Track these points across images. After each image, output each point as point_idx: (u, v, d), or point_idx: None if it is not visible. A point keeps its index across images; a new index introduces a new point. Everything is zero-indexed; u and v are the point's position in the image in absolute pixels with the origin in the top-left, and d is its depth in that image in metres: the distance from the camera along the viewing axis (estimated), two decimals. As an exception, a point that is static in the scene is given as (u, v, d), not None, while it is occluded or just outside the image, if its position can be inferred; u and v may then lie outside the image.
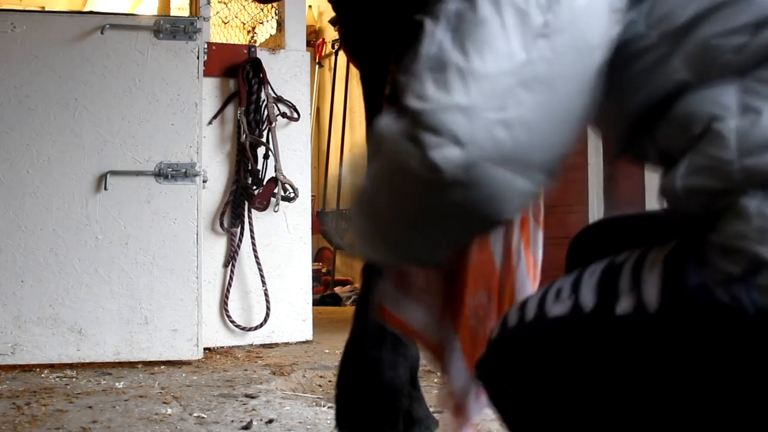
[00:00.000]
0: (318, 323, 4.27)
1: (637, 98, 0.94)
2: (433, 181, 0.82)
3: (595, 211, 4.05)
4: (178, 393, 2.93)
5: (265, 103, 3.97)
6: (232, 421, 2.52)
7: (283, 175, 3.95)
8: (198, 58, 3.61)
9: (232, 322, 3.95)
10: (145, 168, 3.54)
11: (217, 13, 5.11)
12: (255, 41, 5.30)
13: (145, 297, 3.53)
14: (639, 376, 0.92)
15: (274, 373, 3.30)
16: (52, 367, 3.42)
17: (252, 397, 2.85)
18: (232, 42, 5.15)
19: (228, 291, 3.96)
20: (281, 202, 3.95)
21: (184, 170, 3.56)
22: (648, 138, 0.95)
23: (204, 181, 3.70)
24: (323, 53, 7.21)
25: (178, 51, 3.60)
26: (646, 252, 0.92)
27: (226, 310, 3.95)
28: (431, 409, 2.01)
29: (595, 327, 0.93)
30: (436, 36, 0.86)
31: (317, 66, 7.15)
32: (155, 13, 5.17)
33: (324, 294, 6.35)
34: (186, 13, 4.65)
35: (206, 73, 3.79)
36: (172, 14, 4.69)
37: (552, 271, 1.31)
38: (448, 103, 0.81)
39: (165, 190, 3.56)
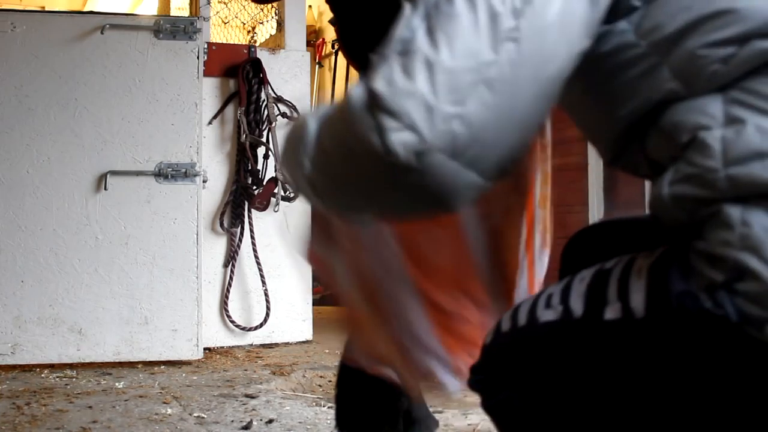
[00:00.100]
0: (318, 323, 4.27)
1: (628, 106, 0.95)
2: (386, 161, 0.84)
3: (595, 211, 4.05)
4: (178, 393, 2.93)
5: (265, 103, 3.97)
6: (232, 421, 2.52)
7: (283, 175, 3.95)
8: (198, 58, 3.61)
9: (232, 322, 3.95)
10: (145, 168, 3.54)
11: (217, 13, 5.11)
12: (255, 41, 5.30)
13: (145, 297, 3.53)
14: (626, 381, 0.93)
15: (274, 373, 3.30)
16: (52, 367, 3.42)
17: (252, 397, 2.85)
18: (232, 42, 5.15)
19: (228, 291, 3.96)
20: (281, 202, 3.95)
21: (184, 170, 3.56)
22: (638, 147, 0.97)
23: (204, 181, 3.70)
24: (323, 53, 7.21)
25: (178, 51, 3.60)
26: (634, 258, 0.94)
27: (226, 310, 3.95)
28: (431, 409, 2.01)
29: (584, 333, 0.94)
30: (412, 22, 0.88)
31: (317, 66, 7.15)
32: (155, 13, 5.17)
33: (324, 294, 6.35)
34: (186, 13, 4.65)
35: (206, 73, 3.79)
36: (172, 14, 4.69)
37: (552, 270, 1.31)
38: (409, 90, 0.83)
39: (165, 190, 3.56)
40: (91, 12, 5.45)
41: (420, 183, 0.85)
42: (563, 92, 1.04)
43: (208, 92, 3.92)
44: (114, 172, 3.51)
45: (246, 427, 2.44)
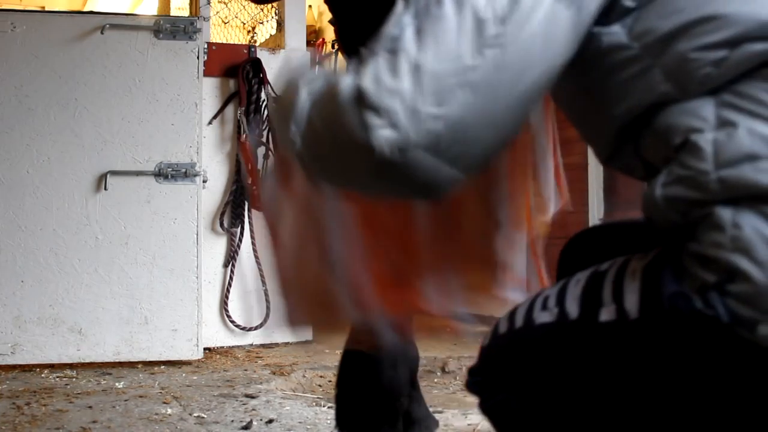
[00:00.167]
0: (318, 323, 4.27)
1: (621, 107, 0.96)
2: (370, 155, 0.87)
3: (595, 211, 4.05)
4: (178, 393, 2.93)
5: (265, 103, 3.96)
6: (232, 421, 2.52)
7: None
8: (198, 58, 3.61)
9: (232, 322, 3.95)
10: (145, 168, 3.55)
11: (217, 13, 5.11)
12: (255, 41, 5.30)
13: (145, 297, 3.53)
14: (621, 381, 0.94)
15: (274, 373, 3.30)
16: (52, 367, 3.42)
17: (252, 397, 2.85)
18: (232, 42, 5.14)
19: (228, 291, 3.96)
20: (281, 202, 3.94)
21: (184, 170, 3.56)
22: (633, 149, 0.98)
23: (204, 181, 3.70)
24: (323, 53, 7.21)
25: (178, 51, 3.60)
26: (629, 260, 0.95)
27: (226, 310, 3.95)
28: (431, 409, 2.01)
29: (579, 334, 0.96)
30: (402, 20, 0.90)
31: (317, 66, 7.16)
32: (155, 13, 5.17)
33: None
34: (186, 13, 4.65)
35: (206, 73, 3.79)
36: (172, 14, 4.69)
37: (552, 270, 1.32)
38: (394, 89, 0.86)
39: (165, 190, 3.56)
40: (91, 12, 5.45)
41: (401, 176, 0.89)
42: (559, 92, 1.05)
43: (208, 92, 3.92)
44: (114, 172, 3.51)
45: (246, 427, 2.44)
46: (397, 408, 1.82)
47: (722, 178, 0.85)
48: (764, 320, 0.82)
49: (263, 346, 4.00)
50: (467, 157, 0.91)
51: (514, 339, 1.03)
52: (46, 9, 7.19)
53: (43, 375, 3.30)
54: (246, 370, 3.41)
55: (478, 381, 1.08)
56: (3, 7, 5.21)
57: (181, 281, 3.56)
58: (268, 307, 3.98)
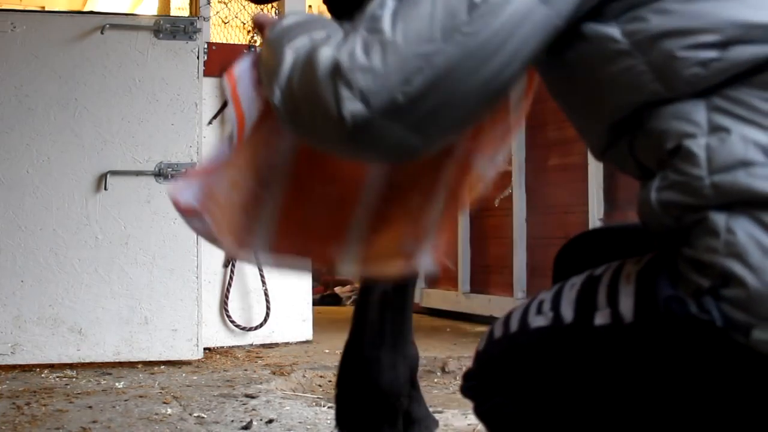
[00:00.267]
0: (318, 323, 4.27)
1: (612, 103, 0.97)
2: (338, 123, 0.95)
3: (595, 211, 4.05)
4: (178, 393, 2.93)
5: (265, 103, 3.96)
6: (232, 421, 2.52)
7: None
8: (198, 58, 3.61)
9: (232, 322, 3.95)
10: (145, 168, 3.55)
11: (217, 13, 5.11)
12: (255, 41, 5.30)
13: (145, 297, 3.53)
14: (616, 385, 0.95)
15: (274, 373, 3.30)
16: (52, 367, 3.42)
17: (252, 397, 2.85)
18: (232, 42, 5.14)
19: (228, 291, 3.96)
20: (281, 202, 3.94)
21: (184, 170, 3.56)
22: (626, 146, 0.98)
23: (204, 181, 3.69)
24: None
25: (178, 51, 3.60)
26: (623, 264, 0.96)
27: (226, 310, 3.95)
28: (431, 409, 2.01)
29: (574, 338, 0.96)
30: (386, 1, 0.95)
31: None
32: (155, 13, 5.18)
33: (324, 294, 6.35)
34: (186, 13, 4.65)
35: (206, 73, 3.78)
36: (172, 14, 4.69)
37: (548, 273, 1.32)
38: (365, 65, 0.93)
39: (165, 190, 3.55)
40: (91, 12, 5.45)
41: (366, 144, 0.97)
42: (554, 85, 1.06)
43: (208, 92, 3.92)
44: (114, 172, 3.51)
45: (246, 427, 2.44)
46: (397, 408, 1.82)
47: (716, 184, 0.85)
48: (758, 325, 0.82)
49: (263, 346, 4.00)
50: (428, 133, 0.97)
51: (510, 343, 1.04)
52: (46, 9, 7.20)
53: (43, 375, 3.30)
54: (246, 370, 3.41)
55: (473, 385, 1.09)
56: (3, 7, 5.21)
57: (181, 281, 3.56)
58: (268, 307, 3.99)
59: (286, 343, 4.06)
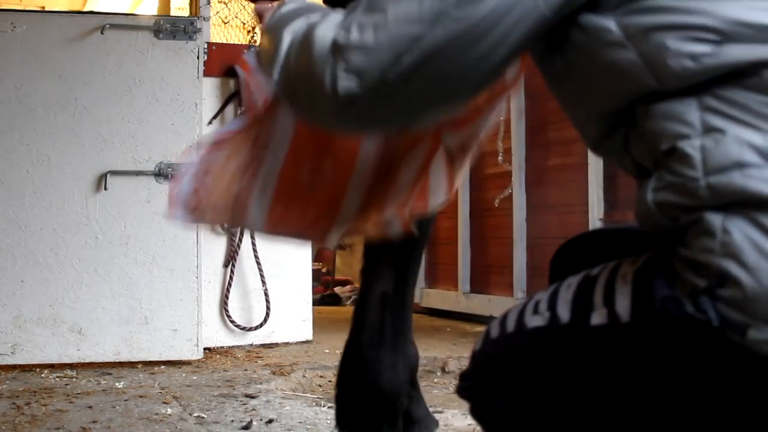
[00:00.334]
0: (318, 323, 4.27)
1: (606, 95, 0.98)
2: (332, 97, 1.00)
3: (595, 211, 4.05)
4: (178, 393, 2.93)
5: (265, 103, 3.96)
6: (232, 421, 2.52)
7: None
8: (198, 58, 3.61)
9: (232, 322, 3.95)
10: (145, 168, 3.54)
11: (217, 13, 5.11)
12: (255, 41, 5.30)
13: (145, 297, 3.53)
14: (613, 384, 0.95)
15: (274, 373, 3.30)
16: (52, 367, 3.42)
17: (252, 397, 2.85)
18: (232, 42, 5.14)
19: (228, 291, 3.96)
20: (281, 202, 3.94)
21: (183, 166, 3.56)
22: (622, 144, 0.99)
23: (204, 181, 3.69)
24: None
25: (178, 51, 3.60)
26: (620, 265, 0.97)
27: (226, 310, 3.95)
28: (431, 409, 2.01)
29: (570, 338, 0.97)
30: None
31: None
32: (155, 13, 5.18)
33: (324, 294, 6.35)
34: (186, 13, 4.65)
35: (206, 73, 3.78)
36: (172, 14, 4.69)
37: (545, 273, 1.33)
38: (360, 44, 0.98)
39: (165, 190, 3.55)
40: (91, 12, 5.45)
41: (355, 119, 1.03)
42: (549, 75, 1.07)
43: (208, 92, 3.92)
44: (114, 172, 3.51)
45: (246, 427, 2.44)
46: (397, 408, 1.82)
47: (711, 185, 0.86)
48: (754, 324, 0.83)
49: (263, 346, 4.00)
50: (418, 110, 1.02)
51: (507, 343, 1.05)
52: (46, 9, 7.20)
53: (43, 375, 3.30)
54: (246, 370, 3.41)
55: (469, 386, 1.09)
56: (3, 7, 5.21)
57: (181, 281, 3.56)
58: (268, 307, 3.99)
59: (286, 343, 4.06)
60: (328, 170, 1.52)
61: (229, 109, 3.99)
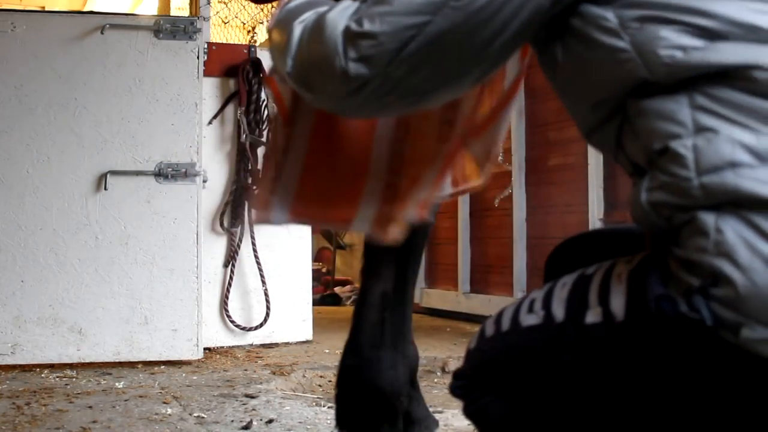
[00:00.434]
0: (318, 323, 4.27)
1: (597, 80, 0.99)
2: (344, 80, 1.05)
3: (595, 211, 4.05)
4: (178, 393, 2.94)
5: (265, 102, 3.96)
6: (232, 421, 2.52)
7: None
8: (198, 58, 3.61)
9: (232, 322, 3.95)
10: (145, 168, 3.54)
11: (217, 13, 5.11)
12: (255, 41, 5.30)
13: (145, 297, 3.53)
14: (607, 382, 0.96)
15: (274, 373, 3.30)
16: (52, 367, 3.42)
17: (252, 397, 2.85)
18: (232, 42, 5.15)
19: (228, 291, 3.96)
20: (281, 202, 3.93)
21: (184, 170, 3.56)
22: (615, 139, 1.00)
23: (204, 181, 3.70)
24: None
25: (178, 51, 3.60)
26: (614, 264, 0.98)
27: (226, 310, 3.95)
28: (431, 409, 2.01)
29: (565, 336, 0.98)
30: None
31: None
32: (155, 13, 5.18)
33: (324, 294, 6.35)
34: (186, 13, 4.65)
35: (206, 73, 3.78)
36: (172, 14, 4.69)
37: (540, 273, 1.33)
38: (369, 31, 1.03)
39: (165, 190, 3.56)
40: (91, 12, 5.45)
41: (366, 102, 1.08)
42: (547, 65, 1.08)
43: (208, 92, 3.92)
44: (114, 172, 3.51)
45: (246, 427, 2.44)
46: (397, 408, 1.82)
47: (704, 185, 0.87)
48: (747, 323, 0.83)
49: (263, 346, 4.00)
50: (422, 94, 1.08)
51: (501, 342, 1.05)
52: (46, 9, 7.20)
53: (43, 375, 3.30)
54: (246, 370, 3.41)
55: (463, 384, 1.09)
56: (3, 7, 5.21)
57: (181, 281, 3.56)
58: (268, 307, 3.99)
59: (286, 343, 4.06)
60: (344, 167, 1.59)
61: (229, 109, 3.99)
